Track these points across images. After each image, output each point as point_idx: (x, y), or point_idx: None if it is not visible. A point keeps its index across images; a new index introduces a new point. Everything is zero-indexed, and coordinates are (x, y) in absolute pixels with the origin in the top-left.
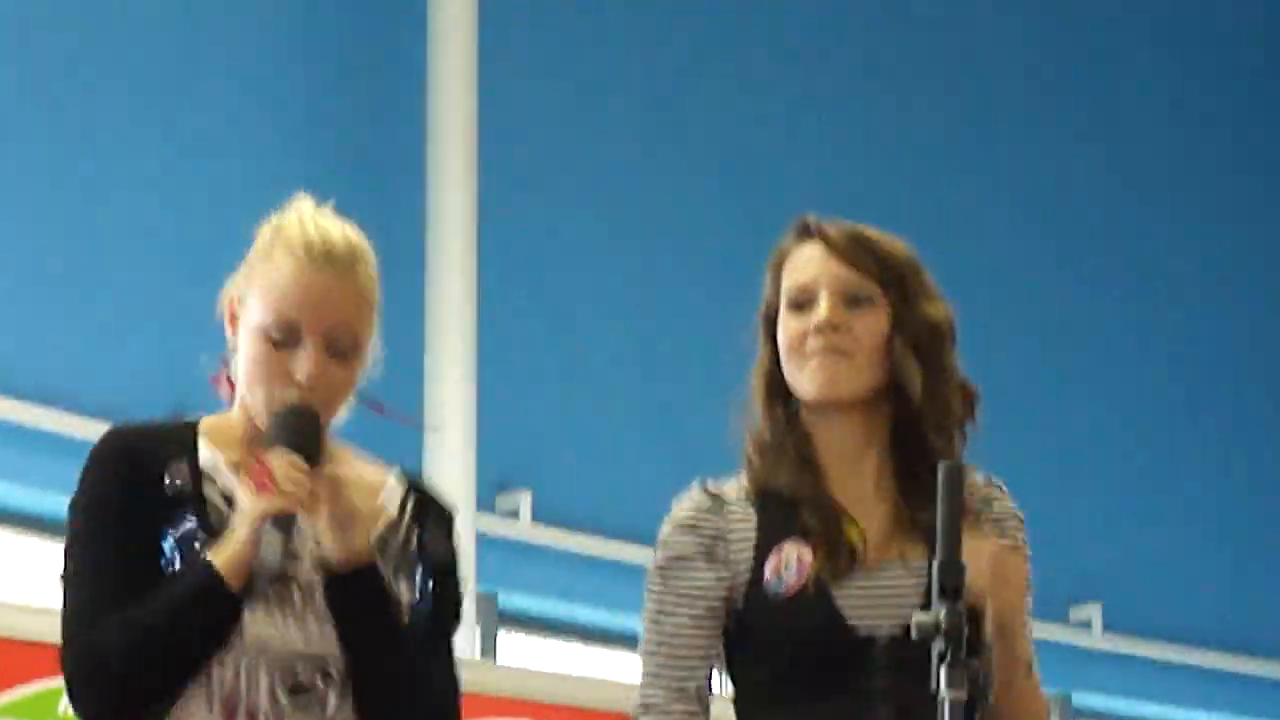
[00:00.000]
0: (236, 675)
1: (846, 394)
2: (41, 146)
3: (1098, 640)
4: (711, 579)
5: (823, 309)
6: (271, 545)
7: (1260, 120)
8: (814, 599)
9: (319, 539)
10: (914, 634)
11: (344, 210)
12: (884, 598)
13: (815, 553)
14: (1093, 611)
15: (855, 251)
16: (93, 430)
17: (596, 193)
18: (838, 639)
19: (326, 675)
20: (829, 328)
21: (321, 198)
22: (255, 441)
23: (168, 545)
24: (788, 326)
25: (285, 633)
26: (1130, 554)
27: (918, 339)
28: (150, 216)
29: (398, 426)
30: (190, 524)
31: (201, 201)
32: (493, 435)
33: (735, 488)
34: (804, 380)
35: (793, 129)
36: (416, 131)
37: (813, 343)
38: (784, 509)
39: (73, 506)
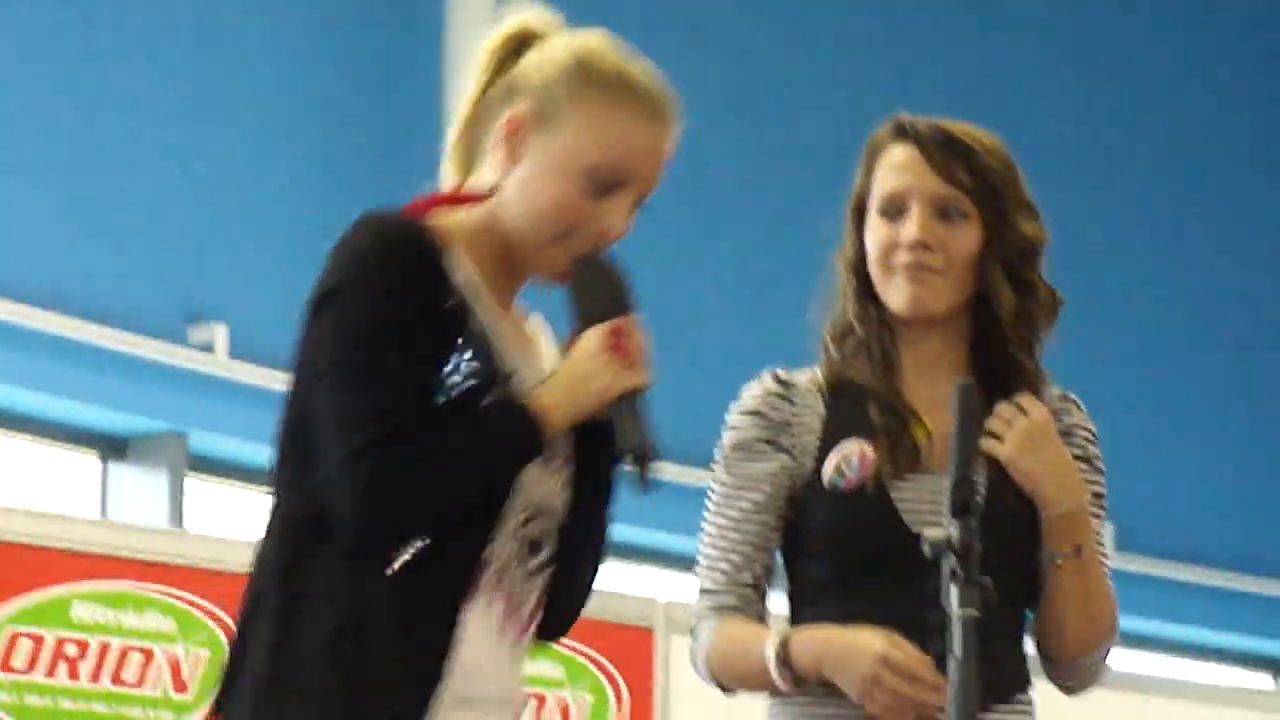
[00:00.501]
0: None
1: (933, 312)
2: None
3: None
4: (776, 467)
5: (914, 225)
6: (633, 426)
7: None
8: (872, 497)
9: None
10: (926, 550)
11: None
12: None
13: (877, 449)
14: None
15: (950, 161)
16: (81, 331)
17: None
18: (894, 539)
19: (546, 528)
20: (920, 246)
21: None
22: (506, 263)
23: (452, 368)
24: (878, 233)
25: (530, 480)
26: (1141, 478)
27: (1009, 258)
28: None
29: None
30: (467, 351)
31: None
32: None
33: (807, 377)
34: (891, 293)
35: (819, 69)
36: (434, 51)
37: (902, 257)
38: (854, 404)
39: (356, 290)
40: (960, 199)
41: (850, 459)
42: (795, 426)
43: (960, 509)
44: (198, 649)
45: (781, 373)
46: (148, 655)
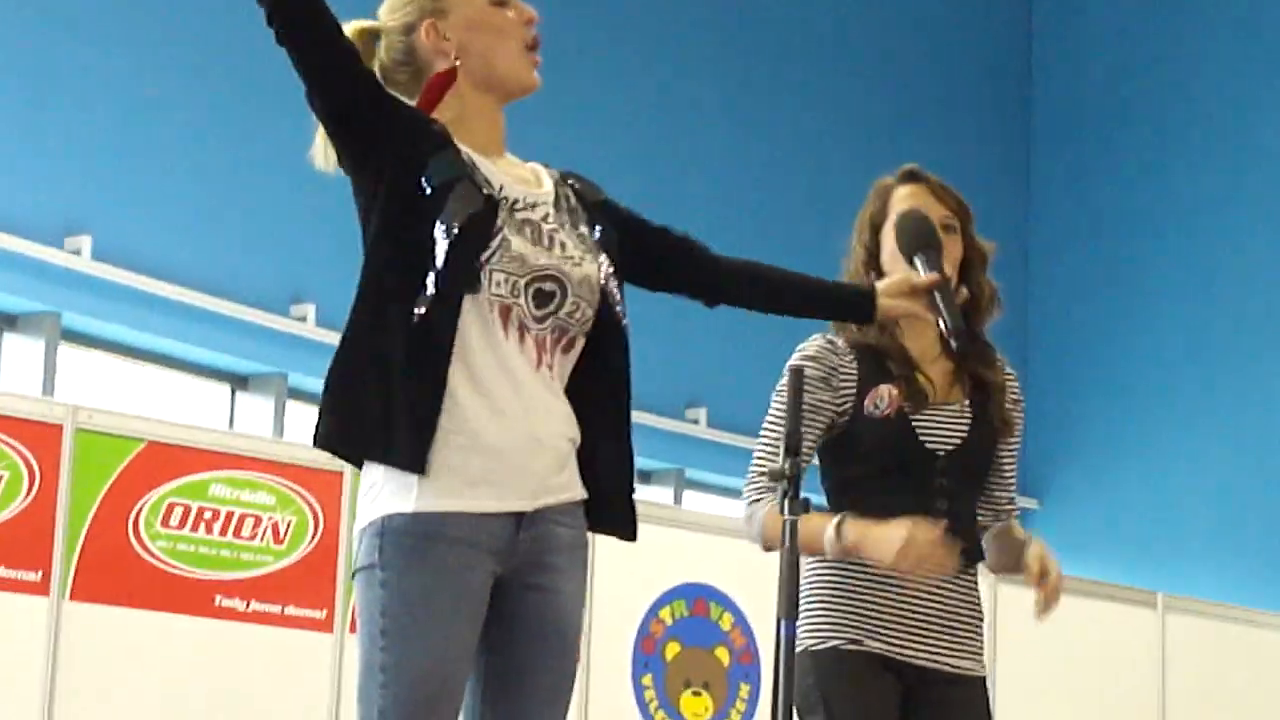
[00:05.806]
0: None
1: None
2: None
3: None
4: (826, 397)
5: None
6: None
7: None
8: (898, 422)
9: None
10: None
11: None
12: (944, 426)
13: (900, 391)
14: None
15: (944, 193)
16: None
17: None
18: (912, 451)
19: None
20: None
21: None
22: (489, 118)
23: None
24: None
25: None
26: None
27: (975, 261)
28: None
29: None
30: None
31: None
32: None
33: (839, 340)
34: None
35: None
36: None
37: None
38: (875, 357)
39: None
40: (951, 217)
41: (883, 396)
42: (840, 372)
43: (791, 451)
44: (290, 516)
45: (829, 334)
46: (257, 520)
